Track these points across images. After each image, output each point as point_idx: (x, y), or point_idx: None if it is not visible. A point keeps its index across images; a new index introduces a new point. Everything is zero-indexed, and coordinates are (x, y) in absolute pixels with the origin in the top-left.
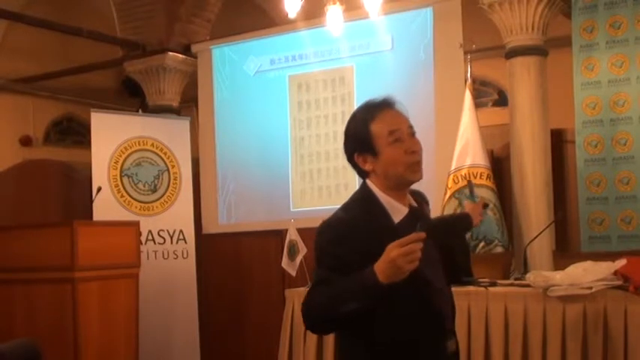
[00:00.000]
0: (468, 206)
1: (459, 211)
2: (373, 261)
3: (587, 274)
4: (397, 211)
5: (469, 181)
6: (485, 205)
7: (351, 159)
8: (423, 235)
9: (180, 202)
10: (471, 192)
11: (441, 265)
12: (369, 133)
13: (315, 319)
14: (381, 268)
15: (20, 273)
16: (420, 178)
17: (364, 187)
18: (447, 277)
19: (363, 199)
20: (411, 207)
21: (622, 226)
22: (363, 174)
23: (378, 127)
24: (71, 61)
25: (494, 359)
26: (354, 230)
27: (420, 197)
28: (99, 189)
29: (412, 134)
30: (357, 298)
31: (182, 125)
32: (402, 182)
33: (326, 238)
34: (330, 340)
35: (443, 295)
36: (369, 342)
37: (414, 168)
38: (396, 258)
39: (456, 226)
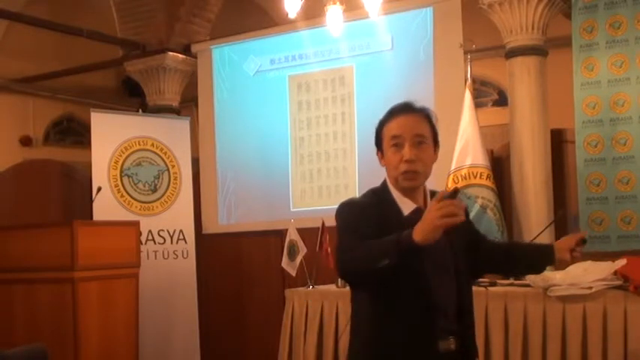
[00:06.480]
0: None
1: None
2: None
3: (587, 274)
4: (405, 204)
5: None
6: (584, 241)
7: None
8: (458, 201)
9: (180, 202)
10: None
11: (456, 265)
12: (381, 134)
13: (354, 274)
14: (417, 228)
15: (20, 273)
16: (413, 186)
17: (384, 180)
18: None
19: (379, 190)
20: (419, 206)
21: (622, 226)
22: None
23: (387, 130)
24: (71, 61)
25: (494, 359)
26: (367, 212)
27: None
28: (99, 189)
29: (417, 143)
30: (391, 255)
31: (182, 125)
32: (399, 185)
33: (346, 211)
34: (330, 340)
35: (442, 292)
36: (371, 336)
37: (406, 176)
38: (429, 213)
39: (530, 257)
